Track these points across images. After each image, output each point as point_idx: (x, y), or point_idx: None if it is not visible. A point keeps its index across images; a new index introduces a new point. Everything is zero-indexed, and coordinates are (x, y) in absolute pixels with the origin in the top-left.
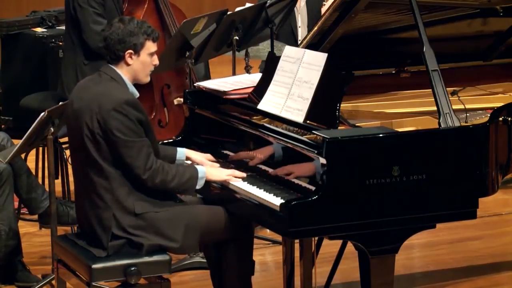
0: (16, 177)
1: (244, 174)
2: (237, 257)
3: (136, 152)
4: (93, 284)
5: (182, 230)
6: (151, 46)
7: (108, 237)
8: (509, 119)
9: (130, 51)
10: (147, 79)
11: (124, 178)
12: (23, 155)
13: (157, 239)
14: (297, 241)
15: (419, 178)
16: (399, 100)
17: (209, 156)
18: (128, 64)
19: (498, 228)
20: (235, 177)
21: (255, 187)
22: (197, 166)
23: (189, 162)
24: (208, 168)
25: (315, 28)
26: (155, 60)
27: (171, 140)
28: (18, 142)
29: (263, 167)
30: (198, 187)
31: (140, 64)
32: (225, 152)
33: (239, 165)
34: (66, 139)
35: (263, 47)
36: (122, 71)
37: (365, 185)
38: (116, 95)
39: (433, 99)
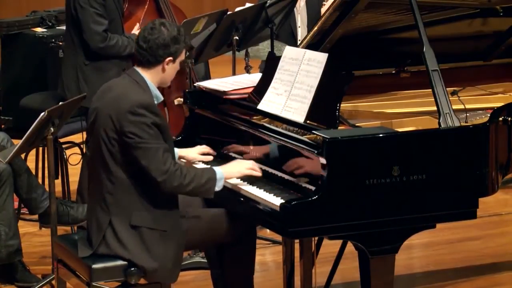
0: (16, 177)
1: (260, 173)
2: (239, 259)
3: (151, 154)
4: (93, 284)
5: (170, 256)
6: (183, 54)
7: (99, 239)
8: (509, 119)
9: (170, 58)
10: (169, 83)
11: (131, 186)
12: (23, 155)
13: (139, 258)
14: (297, 241)
15: (419, 178)
16: (399, 100)
17: (202, 148)
18: (164, 70)
19: (498, 228)
20: (255, 170)
21: (255, 187)
22: (214, 168)
23: (183, 161)
24: (224, 168)
25: (315, 28)
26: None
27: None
28: (18, 142)
29: (263, 167)
30: (217, 188)
31: (172, 71)
32: (225, 152)
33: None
34: (66, 139)
35: (263, 47)
36: (150, 75)
37: (365, 185)
38: (132, 97)
39: (433, 99)
